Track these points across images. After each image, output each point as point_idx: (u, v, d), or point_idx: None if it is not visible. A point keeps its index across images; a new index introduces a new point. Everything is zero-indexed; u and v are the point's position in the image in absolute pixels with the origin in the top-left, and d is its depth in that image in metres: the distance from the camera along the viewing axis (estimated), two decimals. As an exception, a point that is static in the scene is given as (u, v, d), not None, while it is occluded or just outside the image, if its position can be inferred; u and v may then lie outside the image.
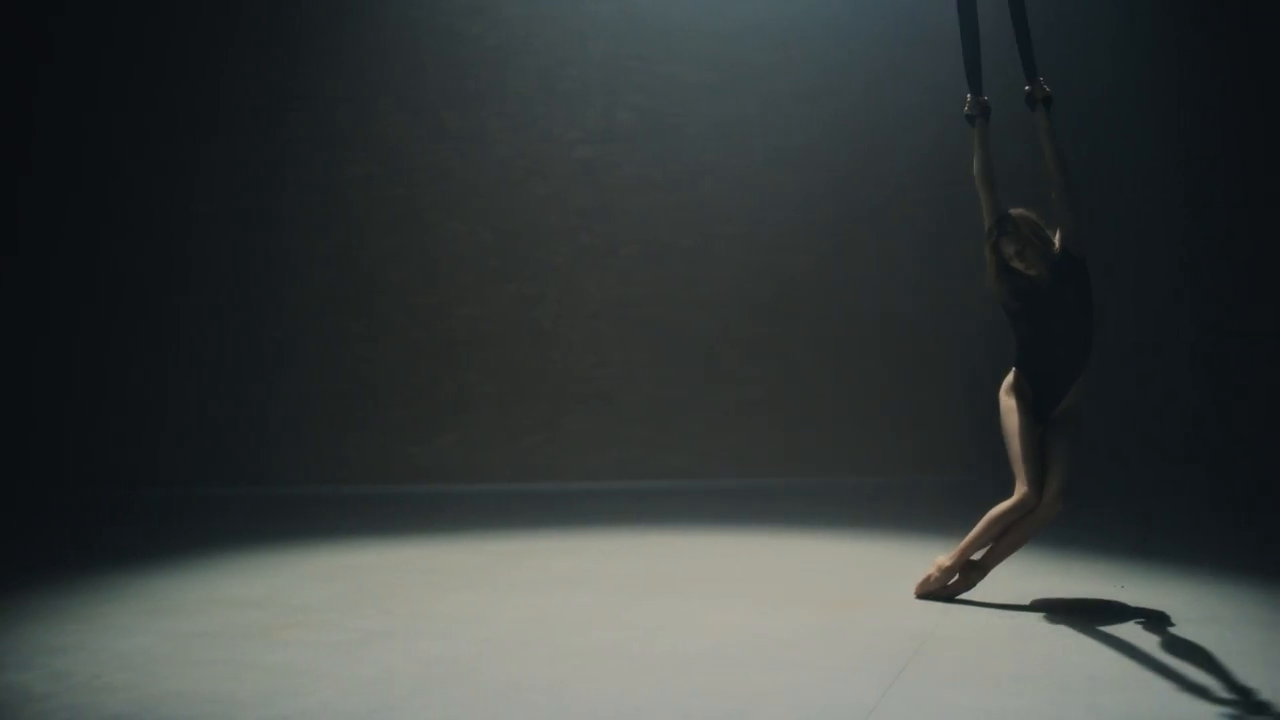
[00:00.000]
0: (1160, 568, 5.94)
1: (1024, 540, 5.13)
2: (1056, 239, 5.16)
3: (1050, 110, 5.25)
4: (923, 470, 10.04)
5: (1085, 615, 4.85)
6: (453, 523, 8.11)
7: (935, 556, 5.46)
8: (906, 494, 9.09)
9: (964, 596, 5.24)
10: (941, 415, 10.18)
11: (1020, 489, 5.01)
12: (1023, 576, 5.65)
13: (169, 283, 10.49)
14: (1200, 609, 4.94)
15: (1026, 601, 5.15)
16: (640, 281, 10.48)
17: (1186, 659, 4.08)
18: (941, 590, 5.26)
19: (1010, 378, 5.24)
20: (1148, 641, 4.34)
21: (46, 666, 4.11)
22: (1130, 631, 4.51)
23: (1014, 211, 5.16)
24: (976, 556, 5.24)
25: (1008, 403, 5.17)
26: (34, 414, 10.30)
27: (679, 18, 10.61)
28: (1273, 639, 4.38)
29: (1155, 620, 4.72)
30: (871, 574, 5.93)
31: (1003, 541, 5.13)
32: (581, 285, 10.51)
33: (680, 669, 4.03)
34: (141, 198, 10.51)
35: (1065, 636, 4.44)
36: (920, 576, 5.37)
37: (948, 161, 10.16)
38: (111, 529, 8.19)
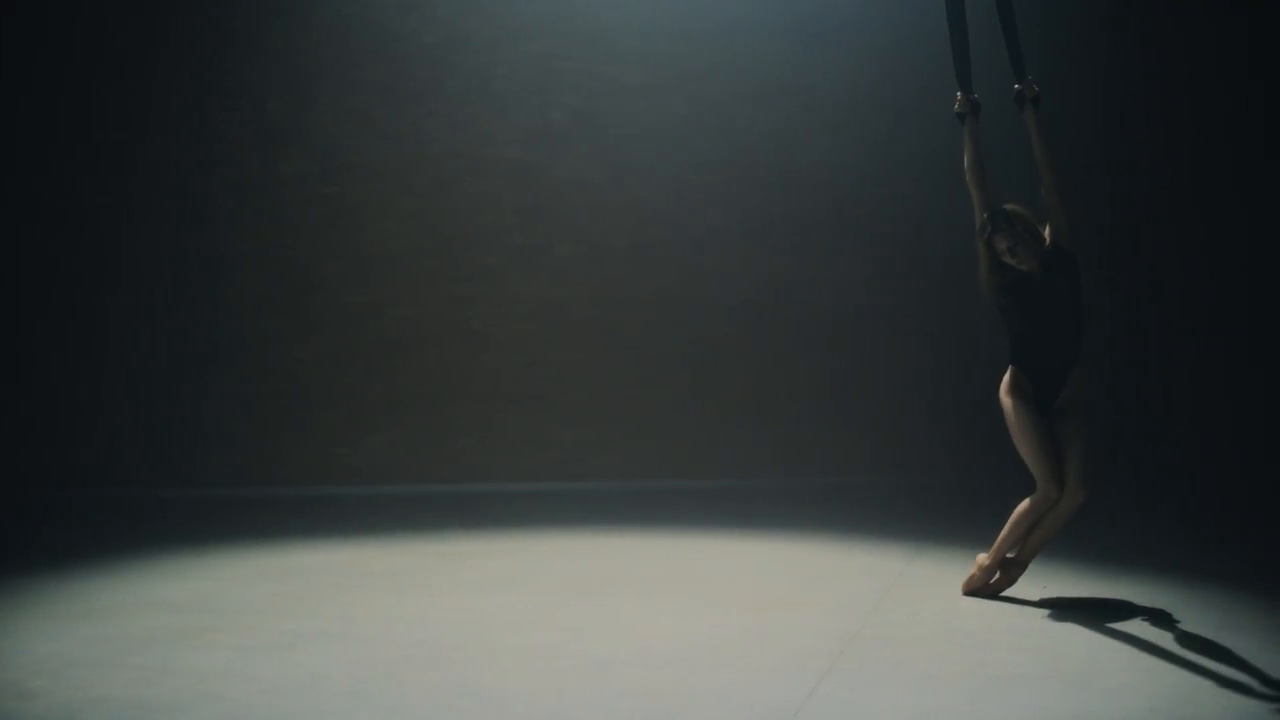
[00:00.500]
0: (1085, 568, 6.00)
1: (1053, 532, 5.16)
2: (1047, 234, 5.22)
3: (1039, 109, 5.30)
4: (871, 472, 10.07)
5: (1080, 611, 4.90)
6: (385, 524, 8.06)
7: (863, 559, 5.50)
8: (844, 496, 9.12)
9: (896, 598, 5.28)
10: (891, 417, 10.22)
11: (1040, 485, 5.05)
12: (960, 578, 5.70)
13: (100, 282, 10.36)
14: (1121, 608, 5.01)
15: (958, 603, 5.19)
16: (574, 282, 10.46)
17: (1102, 657, 4.13)
18: (985, 588, 5.31)
19: (1008, 376, 5.27)
20: (1065, 640, 4.39)
21: (-36, 672, 4.05)
22: (1052, 631, 4.56)
23: (1008, 207, 5.21)
24: (1012, 554, 5.28)
25: (1009, 402, 5.21)
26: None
27: (614, 18, 10.59)
28: (1187, 637, 4.44)
29: (1072, 619, 4.77)
30: (803, 576, 5.95)
31: (1034, 535, 5.18)
32: (515, 286, 10.47)
33: (611, 670, 4.03)
34: (72, 196, 10.38)
35: (989, 636, 4.48)
36: (965, 575, 5.45)
37: (892, 162, 10.29)
38: (38, 531, 8.08)
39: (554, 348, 10.45)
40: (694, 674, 3.98)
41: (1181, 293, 10.18)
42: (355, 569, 6.28)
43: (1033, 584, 5.51)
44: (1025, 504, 5.11)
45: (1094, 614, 4.89)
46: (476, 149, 10.53)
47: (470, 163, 10.52)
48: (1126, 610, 4.97)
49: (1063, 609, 5.02)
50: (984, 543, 6.35)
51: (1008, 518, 5.14)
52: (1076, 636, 4.46)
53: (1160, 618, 4.81)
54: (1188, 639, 4.42)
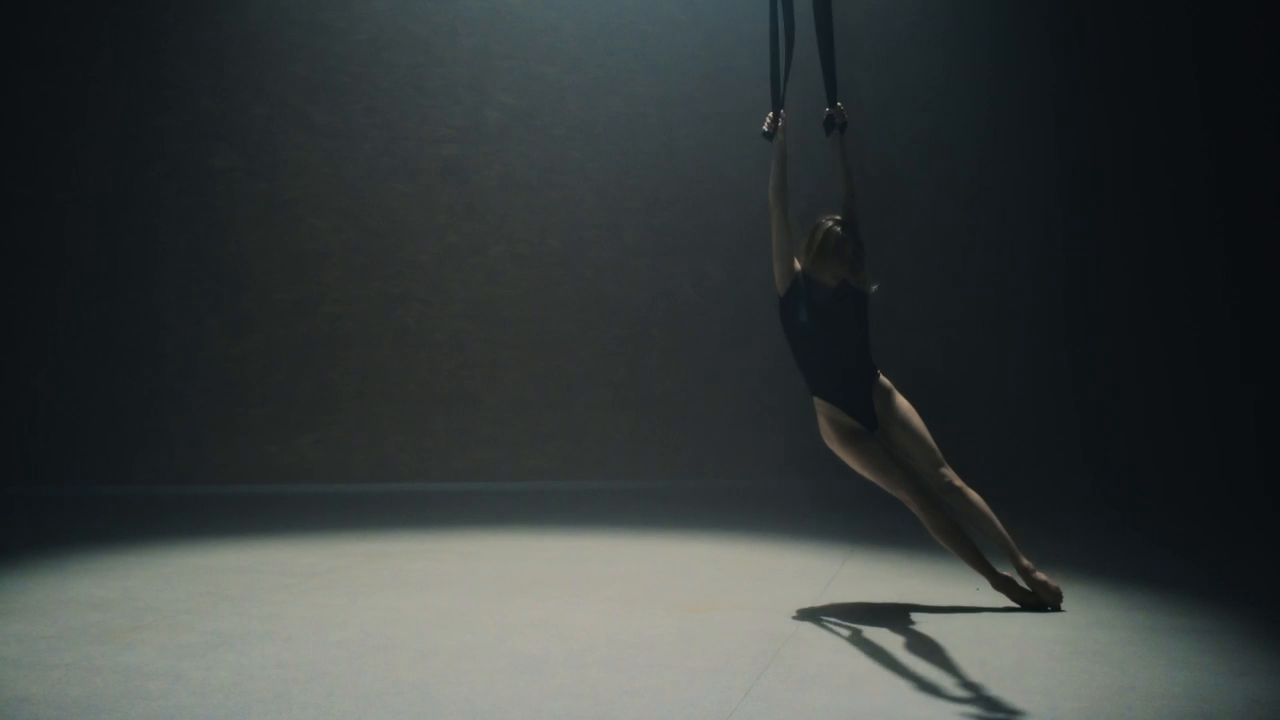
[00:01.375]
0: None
1: (985, 516, 5.10)
2: None
3: (845, 134, 5.30)
4: (803, 474, 10.12)
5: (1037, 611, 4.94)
6: (312, 524, 7.99)
7: (797, 560, 5.51)
8: (777, 498, 9.16)
9: (830, 599, 5.30)
10: (809, 419, 10.29)
11: (913, 504, 5.05)
12: (900, 579, 5.73)
13: (27, 276, 10.20)
14: (1051, 610, 5.06)
15: (891, 605, 5.22)
16: (507, 282, 10.44)
17: (1033, 658, 4.17)
18: (1027, 600, 5.10)
19: (822, 419, 5.23)
20: (997, 642, 4.43)
21: (-117, 671, 3.96)
22: (983, 632, 4.60)
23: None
24: (1004, 571, 5.19)
25: (839, 448, 5.16)
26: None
27: (550, 17, 10.59)
28: (1119, 640, 4.49)
29: (1003, 621, 4.82)
30: (736, 577, 5.97)
31: (977, 537, 5.18)
32: (447, 285, 10.44)
33: (544, 671, 4.01)
34: (3, 187, 10.21)
35: (915, 637, 4.51)
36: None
37: (817, 162, 10.33)
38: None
39: (486, 347, 10.42)
40: (627, 675, 3.97)
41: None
42: (284, 568, 6.22)
43: (967, 586, 5.56)
44: (932, 529, 5.09)
45: (1024, 616, 4.94)
46: (411, 146, 10.49)
47: (404, 160, 10.48)
48: (1055, 612, 5.02)
49: (993, 611, 5.06)
50: (920, 544, 6.41)
51: (943, 528, 5.13)
52: (1007, 638, 4.50)
53: (1089, 620, 4.87)
54: (1116, 641, 4.47)
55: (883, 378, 5.29)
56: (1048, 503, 9.09)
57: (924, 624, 4.77)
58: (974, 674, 3.96)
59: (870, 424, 5.19)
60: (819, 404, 5.23)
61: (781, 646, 4.36)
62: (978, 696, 3.69)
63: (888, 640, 4.47)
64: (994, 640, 4.46)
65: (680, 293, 10.49)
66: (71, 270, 10.24)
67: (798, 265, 5.21)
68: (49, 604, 5.16)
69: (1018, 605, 5.11)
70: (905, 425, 5.19)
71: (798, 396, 10.50)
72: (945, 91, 10.65)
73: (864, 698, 3.68)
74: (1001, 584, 5.13)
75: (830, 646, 4.38)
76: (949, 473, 5.14)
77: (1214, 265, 10.19)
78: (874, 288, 5.21)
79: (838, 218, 5.17)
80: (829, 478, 9.76)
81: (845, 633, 4.62)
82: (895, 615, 4.97)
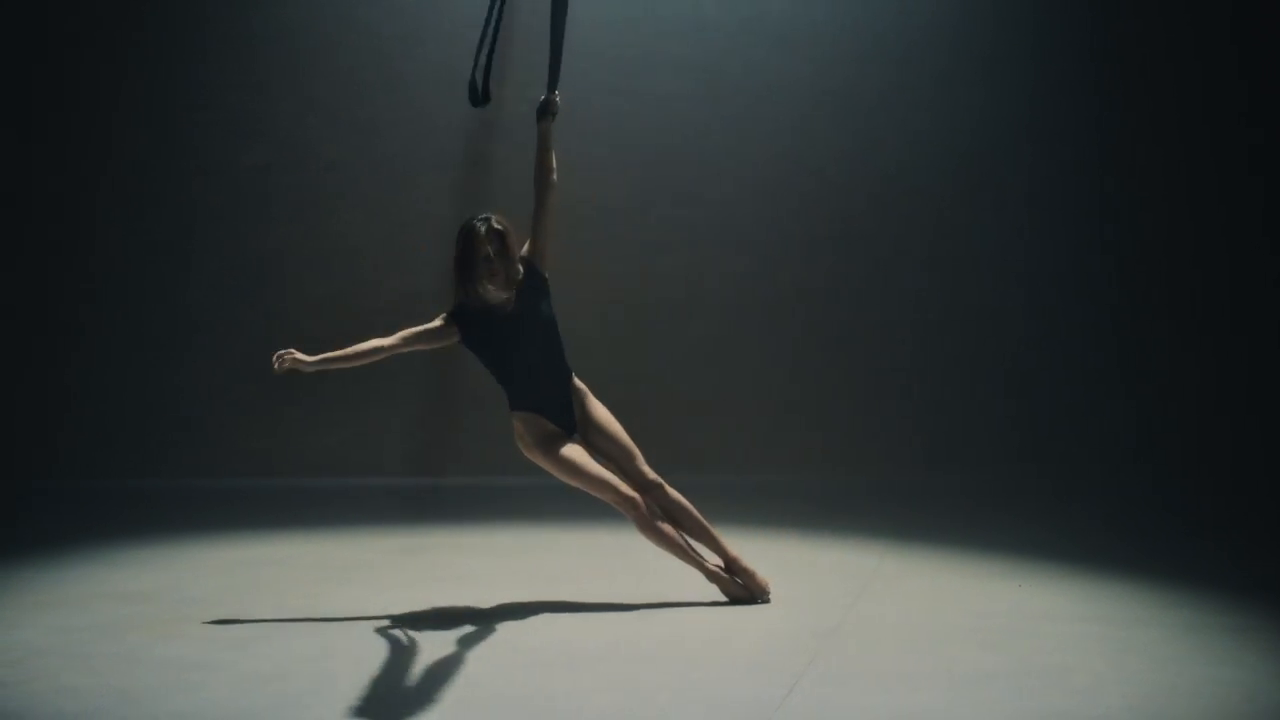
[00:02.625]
0: (1057, 566, 6.02)
1: (686, 511, 5.07)
2: (526, 250, 5.12)
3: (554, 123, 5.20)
4: (839, 469, 10.08)
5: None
6: (347, 517, 8.02)
7: (835, 555, 5.48)
8: (804, 492, 9.12)
9: (870, 595, 5.28)
10: (862, 413, 10.25)
11: (623, 507, 5.00)
12: (941, 575, 5.72)
13: (62, 272, 10.24)
14: (1095, 607, 5.03)
15: (933, 601, 5.19)
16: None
17: (1078, 656, 4.13)
18: (737, 593, 5.10)
19: (519, 427, 5.11)
20: (1041, 639, 4.39)
21: (-72, 661, 3.98)
22: (1027, 629, 4.56)
23: (496, 216, 4.99)
24: (716, 564, 5.14)
25: (540, 459, 5.06)
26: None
27: (581, 11, 10.55)
28: (1165, 637, 4.45)
29: (1048, 618, 4.78)
30: (769, 571, 5.93)
31: (692, 535, 5.11)
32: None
33: (586, 666, 4.00)
34: (36, 186, 10.26)
35: (958, 634, 4.48)
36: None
37: (792, 159, 10.34)
38: (2, 522, 7.99)
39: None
40: (669, 669, 3.96)
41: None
42: (321, 561, 6.24)
43: (1010, 582, 5.53)
44: (643, 532, 5.04)
45: (1068, 612, 4.90)
46: (443, 140, 10.47)
47: (436, 154, 10.47)
48: (1097, 609, 4.99)
49: (1038, 607, 5.02)
50: (958, 539, 6.38)
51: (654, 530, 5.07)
52: (1051, 636, 4.46)
53: (1133, 617, 4.82)
54: (1162, 639, 4.43)
55: (577, 380, 5.23)
56: (1093, 493, 9.02)
57: (967, 621, 4.73)
58: (1018, 672, 3.93)
59: (570, 428, 5.13)
60: (517, 415, 5.12)
61: (824, 642, 4.34)
62: (1023, 695, 3.67)
63: (930, 637, 4.45)
64: (1038, 638, 4.43)
65: (710, 286, 10.44)
66: (106, 265, 10.26)
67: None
68: (90, 596, 5.18)
69: (727, 599, 5.09)
70: (602, 427, 5.14)
71: (828, 390, 10.51)
72: (981, 81, 10.56)
73: (908, 694, 3.66)
74: (712, 577, 5.11)
75: (873, 643, 4.36)
76: (647, 470, 5.09)
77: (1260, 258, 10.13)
78: (545, 274, 5.10)
79: (486, 216, 4.99)
80: (859, 473, 9.73)
81: (888, 629, 4.60)
82: (937, 612, 4.94)
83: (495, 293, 4.94)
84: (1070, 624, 4.69)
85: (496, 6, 5.39)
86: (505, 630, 4.56)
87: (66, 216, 10.25)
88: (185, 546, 6.70)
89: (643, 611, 4.93)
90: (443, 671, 3.92)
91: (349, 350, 4.90)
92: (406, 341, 5.11)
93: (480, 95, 5.39)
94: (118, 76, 10.35)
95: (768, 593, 5.11)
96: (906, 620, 4.77)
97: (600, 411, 5.19)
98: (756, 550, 6.58)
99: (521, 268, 5.04)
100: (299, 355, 4.75)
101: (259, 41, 10.45)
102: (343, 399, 10.19)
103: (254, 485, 9.59)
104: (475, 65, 5.41)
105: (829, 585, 5.53)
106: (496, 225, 4.91)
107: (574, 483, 5.04)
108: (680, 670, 3.95)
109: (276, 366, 4.78)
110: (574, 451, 5.03)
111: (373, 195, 10.41)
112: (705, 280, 10.41)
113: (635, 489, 5.05)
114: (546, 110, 5.22)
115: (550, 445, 5.04)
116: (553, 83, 5.30)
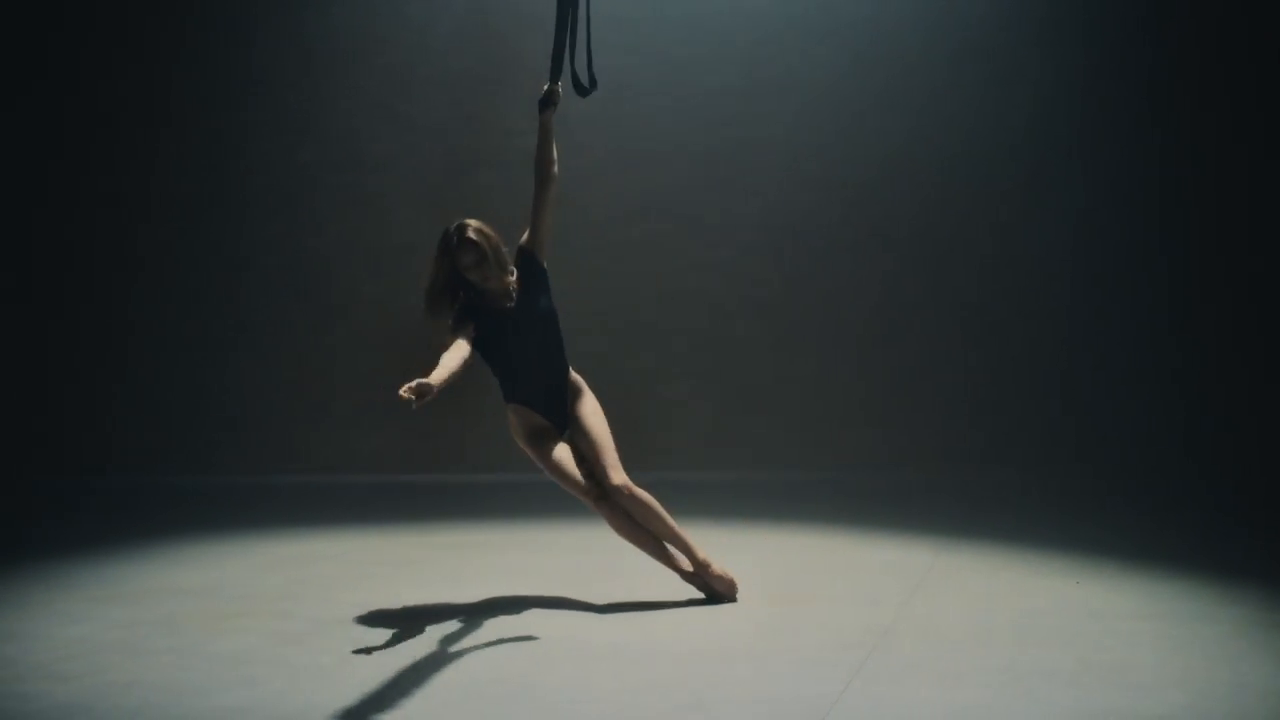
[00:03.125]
0: (1115, 563, 5.97)
1: (657, 515, 4.98)
2: (525, 241, 5.13)
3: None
4: (891, 467, 10.03)
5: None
6: (402, 513, 8.07)
7: (888, 554, 5.43)
8: (854, 489, 9.08)
9: (925, 593, 5.25)
10: (912, 410, 10.20)
11: (593, 507, 5.00)
12: (997, 572, 5.69)
13: (119, 269, 10.36)
14: (1154, 604, 4.97)
15: (989, 599, 5.16)
16: (589, 271, 10.42)
17: (1138, 653, 4.09)
18: (709, 591, 5.07)
19: (513, 419, 5.08)
20: (1100, 637, 4.36)
21: (-7, 654, 4.04)
22: (1084, 627, 4.53)
23: (471, 222, 4.96)
24: (687, 565, 5.09)
25: (530, 450, 5.04)
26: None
27: (628, 8, 10.57)
28: (1226, 634, 4.40)
29: (1106, 615, 4.74)
30: (821, 569, 5.93)
31: (658, 534, 5.04)
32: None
33: (635, 662, 4.01)
34: (92, 183, 10.37)
35: (1015, 631, 4.45)
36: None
37: (841, 157, 10.30)
38: (59, 517, 8.09)
39: (570, 337, 10.40)
40: (723, 666, 3.96)
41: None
42: (376, 557, 6.28)
43: (1065, 580, 5.48)
44: (615, 529, 5.01)
45: (1125, 610, 4.86)
46: (494, 138, 10.50)
47: (488, 152, 10.50)
48: (1154, 606, 4.93)
49: (1094, 605, 4.98)
50: (1012, 537, 6.34)
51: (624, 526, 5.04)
52: (1110, 634, 4.42)
53: (1195, 614, 4.77)
54: (1226, 636, 4.37)
55: (574, 374, 5.20)
56: (1145, 491, 8.94)
57: (1023, 618, 4.70)
58: (1077, 670, 3.90)
59: (560, 424, 5.10)
60: (509, 406, 5.10)
61: (879, 640, 4.32)
62: (1081, 693, 3.63)
63: (986, 634, 4.42)
64: (1096, 635, 4.39)
65: (763, 283, 10.42)
66: (162, 263, 10.37)
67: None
68: (151, 591, 5.24)
69: (703, 597, 5.05)
70: (580, 424, 5.09)
71: (883, 387, 10.46)
72: (1036, 80, 10.48)
73: (965, 691, 3.63)
74: (687, 577, 5.08)
75: (929, 640, 4.33)
76: (616, 475, 4.98)
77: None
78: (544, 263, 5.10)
79: (452, 227, 4.97)
80: (912, 471, 9.69)
81: (943, 626, 4.57)
82: (993, 609, 4.90)
83: (483, 283, 4.92)
84: (1128, 621, 4.64)
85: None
86: (554, 627, 4.57)
87: (118, 216, 10.38)
88: (238, 542, 6.76)
89: (693, 609, 4.93)
90: (493, 667, 3.94)
91: (454, 364, 4.80)
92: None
93: (587, 84, 5.38)
94: (171, 78, 10.45)
95: (735, 590, 5.06)
96: (962, 618, 4.73)
97: (585, 408, 5.14)
98: (810, 547, 6.59)
99: (517, 259, 5.07)
100: (426, 381, 4.56)
101: (311, 41, 10.52)
102: (390, 397, 10.24)
103: (304, 482, 9.66)
104: (571, 56, 5.37)
105: (883, 583, 5.50)
106: (471, 235, 4.87)
107: (555, 479, 5.02)
108: (733, 667, 3.94)
109: (416, 404, 4.53)
110: (557, 449, 5.01)
111: (422, 194, 10.46)
112: (757, 277, 10.38)
113: (599, 490, 5.00)
114: (549, 101, 5.19)
115: (536, 439, 5.03)
116: (555, 73, 5.25)
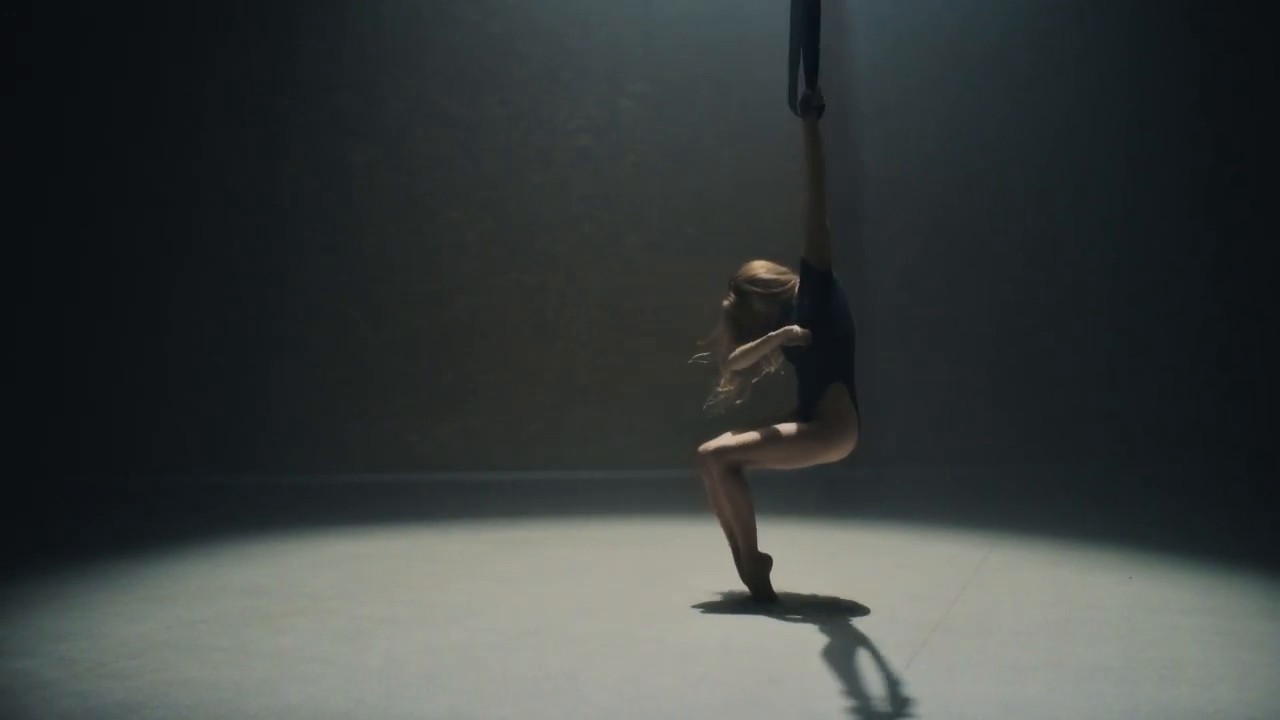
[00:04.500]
0: (1167, 559, 5.92)
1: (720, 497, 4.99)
2: (803, 254, 5.16)
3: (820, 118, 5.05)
4: (944, 463, 9.99)
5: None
6: (454, 511, 8.10)
7: (941, 548, 5.42)
8: (902, 485, 9.05)
9: (978, 587, 5.23)
10: (963, 407, 10.16)
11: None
12: (1050, 568, 5.66)
13: (170, 267, 10.47)
14: (1206, 599, 4.93)
15: (1041, 594, 5.13)
16: (642, 270, 10.45)
17: (1190, 649, 4.06)
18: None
19: (848, 418, 5.01)
20: (1152, 632, 4.32)
21: (52, 653, 4.08)
22: (1134, 622, 4.49)
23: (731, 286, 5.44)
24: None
25: (849, 443, 5.03)
26: (34, 401, 10.27)
27: (683, 5, 10.57)
28: (1278, 629, 4.36)
29: (1159, 611, 4.70)
30: (873, 563, 5.92)
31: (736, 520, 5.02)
32: (584, 274, 10.48)
33: (690, 658, 4.01)
34: (138, 182, 10.48)
35: (1067, 626, 4.43)
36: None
37: (884, 150, 10.23)
38: (113, 516, 8.17)
39: (623, 336, 10.45)
40: (774, 661, 3.95)
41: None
42: (429, 555, 6.31)
43: (1118, 575, 5.44)
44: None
45: (1178, 605, 4.82)
46: (545, 137, 10.55)
47: (539, 151, 10.54)
48: (1208, 601, 4.89)
49: (1147, 600, 4.94)
50: (1064, 532, 6.30)
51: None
52: (1162, 629, 4.38)
53: (1249, 609, 4.73)
54: (1278, 631, 4.34)
55: (836, 399, 5.10)
56: (1195, 487, 8.86)
57: (1076, 614, 4.67)
58: (1130, 665, 3.87)
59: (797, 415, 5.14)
60: (850, 408, 5.04)
61: (930, 635, 4.30)
62: (1135, 688, 3.61)
63: (1039, 629, 4.39)
64: (1148, 631, 4.36)
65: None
66: (214, 264, 10.47)
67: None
68: (205, 590, 5.29)
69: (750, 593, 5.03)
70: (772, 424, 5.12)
71: (928, 384, 10.40)
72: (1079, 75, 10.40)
73: (1018, 687, 3.62)
74: (743, 568, 5.04)
75: (981, 635, 4.31)
76: (706, 444, 5.05)
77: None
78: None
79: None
80: (956, 464, 9.64)
81: (996, 621, 4.55)
82: (1046, 604, 4.87)
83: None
84: (1181, 616, 4.61)
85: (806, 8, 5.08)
86: (612, 623, 4.58)
87: (171, 217, 10.49)
88: (295, 541, 6.81)
89: (746, 605, 4.92)
90: (549, 665, 3.95)
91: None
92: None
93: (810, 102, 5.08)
94: (217, 75, 10.55)
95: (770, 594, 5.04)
96: (1015, 612, 4.71)
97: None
98: (863, 543, 6.57)
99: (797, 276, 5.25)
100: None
101: (362, 41, 10.59)
102: (448, 395, 10.31)
103: (360, 480, 9.73)
104: (807, 66, 5.12)
105: (936, 578, 5.48)
106: (725, 304, 5.43)
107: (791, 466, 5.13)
108: (784, 662, 3.94)
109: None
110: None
111: (476, 193, 10.51)
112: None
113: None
114: (810, 104, 5.06)
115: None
116: (812, 74, 5.07)
